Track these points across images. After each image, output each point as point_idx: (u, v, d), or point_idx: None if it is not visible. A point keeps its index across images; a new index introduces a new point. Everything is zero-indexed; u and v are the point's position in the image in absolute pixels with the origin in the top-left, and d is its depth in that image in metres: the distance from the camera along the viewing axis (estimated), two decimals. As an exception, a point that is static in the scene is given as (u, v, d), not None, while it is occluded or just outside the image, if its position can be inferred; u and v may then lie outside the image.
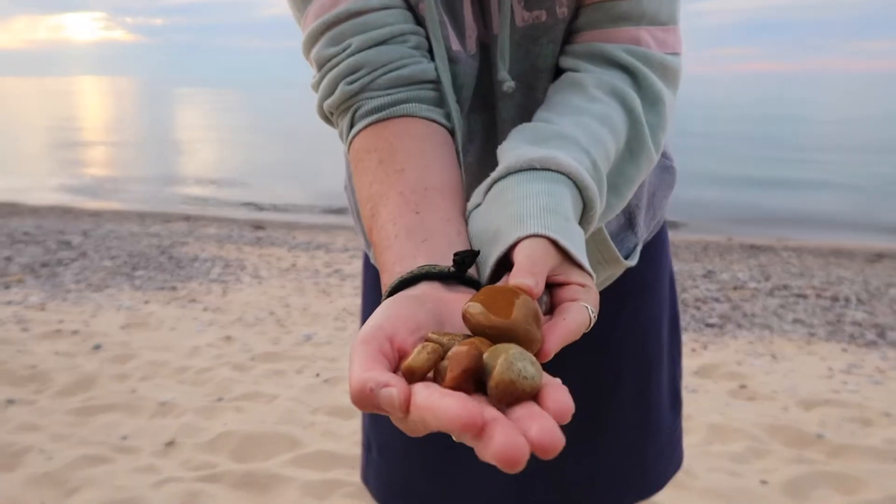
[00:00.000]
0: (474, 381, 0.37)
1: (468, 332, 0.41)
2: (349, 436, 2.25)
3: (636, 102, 0.62)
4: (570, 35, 0.67)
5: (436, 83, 0.63)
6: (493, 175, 0.55)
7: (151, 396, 2.53)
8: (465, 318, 0.41)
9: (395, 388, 0.35)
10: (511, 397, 0.36)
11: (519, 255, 0.46)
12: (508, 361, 0.36)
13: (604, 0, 0.63)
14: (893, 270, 4.94)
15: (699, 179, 9.19)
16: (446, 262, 0.49)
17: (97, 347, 2.99)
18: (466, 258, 0.47)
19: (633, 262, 0.80)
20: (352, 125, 0.62)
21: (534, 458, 0.85)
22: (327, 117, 0.65)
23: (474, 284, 0.48)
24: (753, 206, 8.11)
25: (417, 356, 0.38)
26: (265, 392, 2.58)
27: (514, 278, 0.44)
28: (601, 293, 0.82)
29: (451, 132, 0.63)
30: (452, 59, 0.65)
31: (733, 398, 2.55)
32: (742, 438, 2.24)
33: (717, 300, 3.88)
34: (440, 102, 0.63)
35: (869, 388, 2.63)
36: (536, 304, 0.43)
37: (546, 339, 0.42)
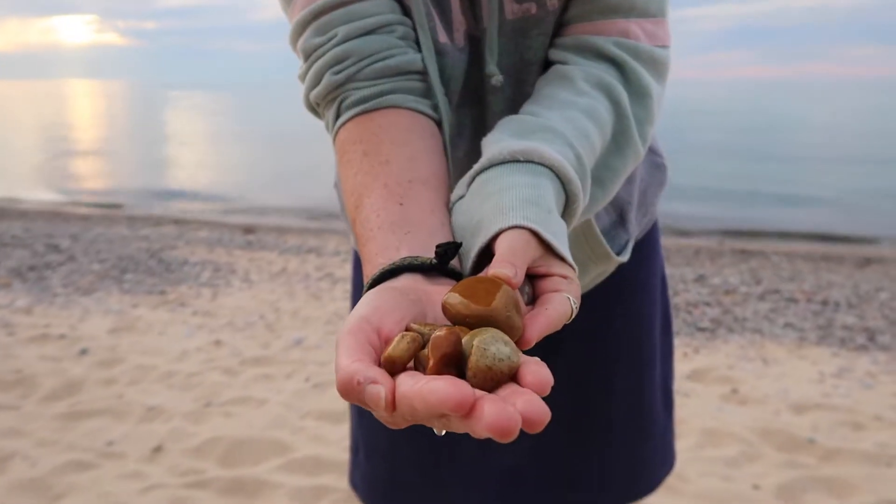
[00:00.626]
0: (456, 367, 0.36)
1: (449, 324, 0.41)
2: (338, 441, 2.23)
3: (623, 96, 0.62)
4: (559, 27, 0.66)
5: (423, 74, 0.62)
6: (477, 167, 0.54)
7: (139, 401, 2.50)
8: (444, 308, 0.40)
9: (382, 385, 0.35)
10: (491, 382, 0.35)
11: (500, 246, 0.46)
12: (481, 348, 0.35)
13: None
14: (883, 275, 4.96)
15: (690, 187, 9.20)
16: (429, 253, 0.48)
17: (84, 352, 2.96)
18: (448, 250, 0.47)
19: (624, 258, 0.80)
20: (337, 116, 0.61)
21: (524, 458, 0.84)
22: (314, 108, 0.65)
23: (457, 276, 0.48)
24: (741, 218, 8.10)
25: (397, 346, 0.37)
26: (254, 397, 2.55)
27: (494, 268, 0.44)
28: (594, 291, 0.81)
29: (438, 123, 0.62)
30: (440, 52, 0.64)
31: (725, 402, 2.54)
32: (734, 443, 2.23)
33: (708, 304, 3.88)
34: (427, 93, 0.63)
35: (860, 391, 2.63)
36: (517, 292, 0.42)
37: (527, 328, 0.41)
